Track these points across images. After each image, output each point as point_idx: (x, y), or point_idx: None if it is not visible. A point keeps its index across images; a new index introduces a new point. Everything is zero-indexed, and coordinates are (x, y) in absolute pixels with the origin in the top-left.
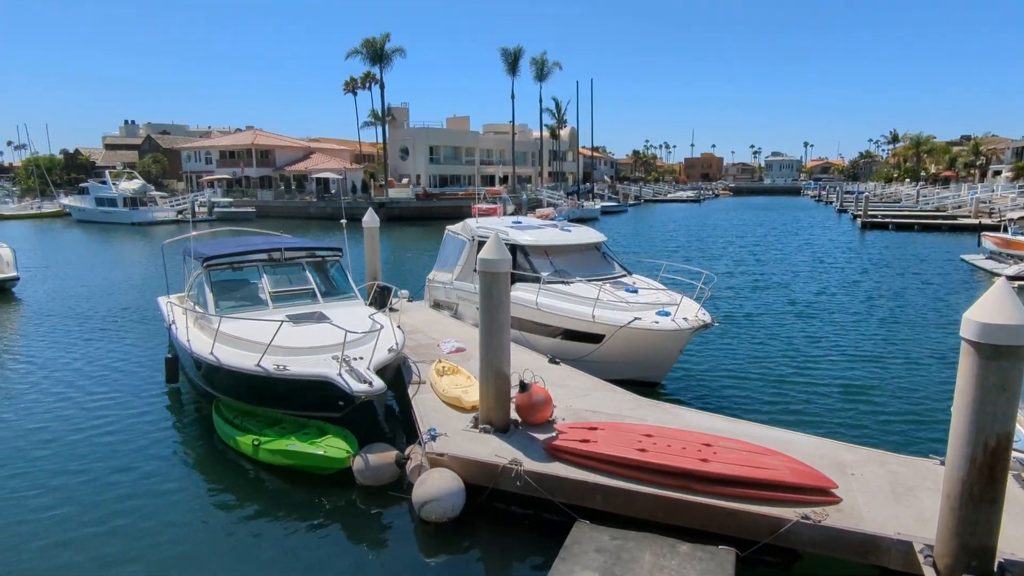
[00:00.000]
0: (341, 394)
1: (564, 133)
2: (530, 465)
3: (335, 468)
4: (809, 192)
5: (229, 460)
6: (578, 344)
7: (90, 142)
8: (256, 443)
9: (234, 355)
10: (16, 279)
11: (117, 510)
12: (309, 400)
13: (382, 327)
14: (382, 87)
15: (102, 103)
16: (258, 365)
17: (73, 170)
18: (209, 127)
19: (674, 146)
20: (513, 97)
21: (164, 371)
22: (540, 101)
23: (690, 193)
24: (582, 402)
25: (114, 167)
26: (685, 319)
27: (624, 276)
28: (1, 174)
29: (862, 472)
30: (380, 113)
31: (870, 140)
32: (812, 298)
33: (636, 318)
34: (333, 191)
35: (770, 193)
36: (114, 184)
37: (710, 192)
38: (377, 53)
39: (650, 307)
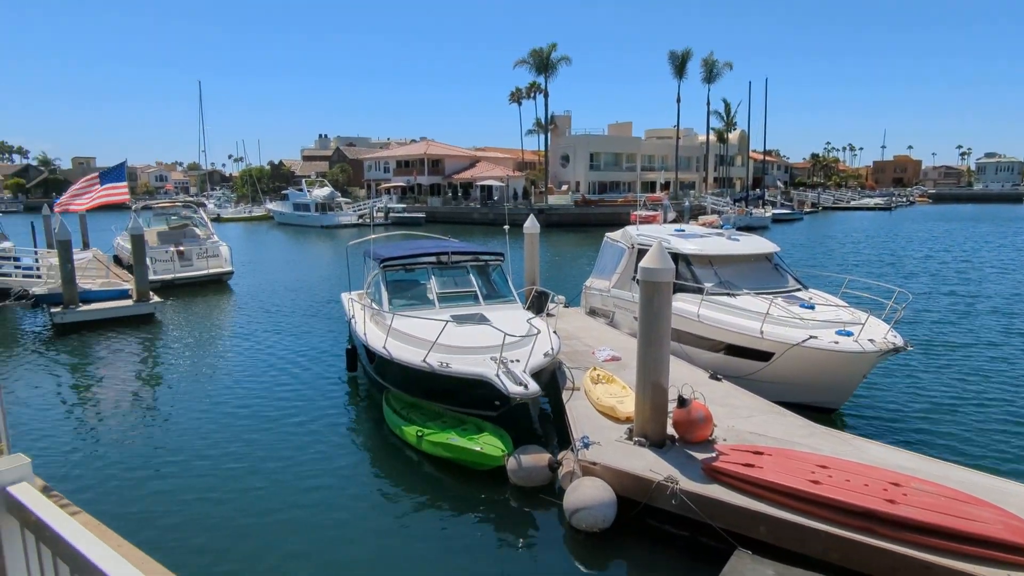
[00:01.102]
0: (498, 394)
1: (733, 136)
2: (687, 484)
3: (490, 465)
4: None
5: (395, 448)
6: (743, 361)
7: (291, 154)
8: (420, 434)
9: (403, 350)
10: (231, 273)
11: (294, 484)
12: (468, 397)
13: (539, 332)
14: (546, 96)
15: (302, 119)
16: (424, 361)
17: (277, 179)
18: (388, 138)
19: (860, 148)
20: (679, 100)
21: (345, 360)
22: (708, 104)
23: (878, 200)
24: (746, 423)
25: (309, 176)
26: (871, 341)
27: (799, 290)
28: (223, 183)
29: None
30: (543, 121)
31: None
32: None
33: (812, 336)
34: (495, 198)
35: (982, 200)
36: (308, 191)
37: (903, 199)
38: (543, 63)
39: (829, 325)
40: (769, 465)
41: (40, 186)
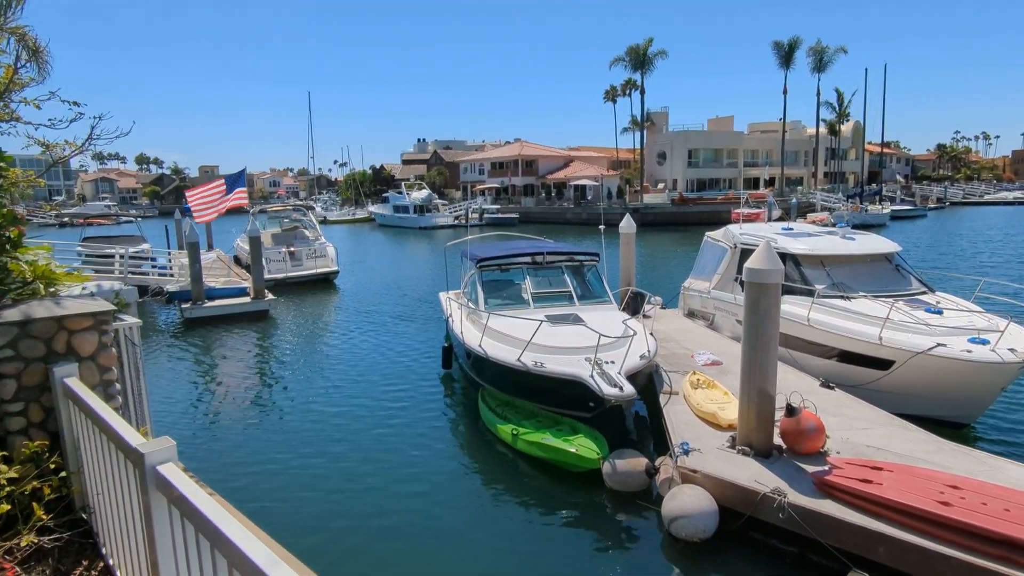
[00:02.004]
0: (592, 396)
1: (846, 128)
2: (796, 498)
3: (585, 467)
4: None
5: (490, 444)
6: (858, 369)
7: (392, 158)
8: (514, 433)
9: (498, 349)
10: (337, 272)
11: (391, 477)
12: (561, 398)
13: (635, 333)
14: (642, 93)
15: (402, 124)
16: (518, 360)
17: (378, 183)
18: (483, 141)
19: (996, 137)
20: (785, 92)
21: (441, 357)
22: (818, 94)
23: (1019, 193)
24: (862, 436)
25: (408, 179)
26: (1012, 350)
27: (924, 293)
28: (329, 187)
29: None
30: (639, 119)
31: None
32: None
33: (939, 344)
34: (589, 197)
35: None
36: (407, 194)
37: None
38: (640, 59)
39: (960, 332)
40: (890, 482)
41: (172, 193)
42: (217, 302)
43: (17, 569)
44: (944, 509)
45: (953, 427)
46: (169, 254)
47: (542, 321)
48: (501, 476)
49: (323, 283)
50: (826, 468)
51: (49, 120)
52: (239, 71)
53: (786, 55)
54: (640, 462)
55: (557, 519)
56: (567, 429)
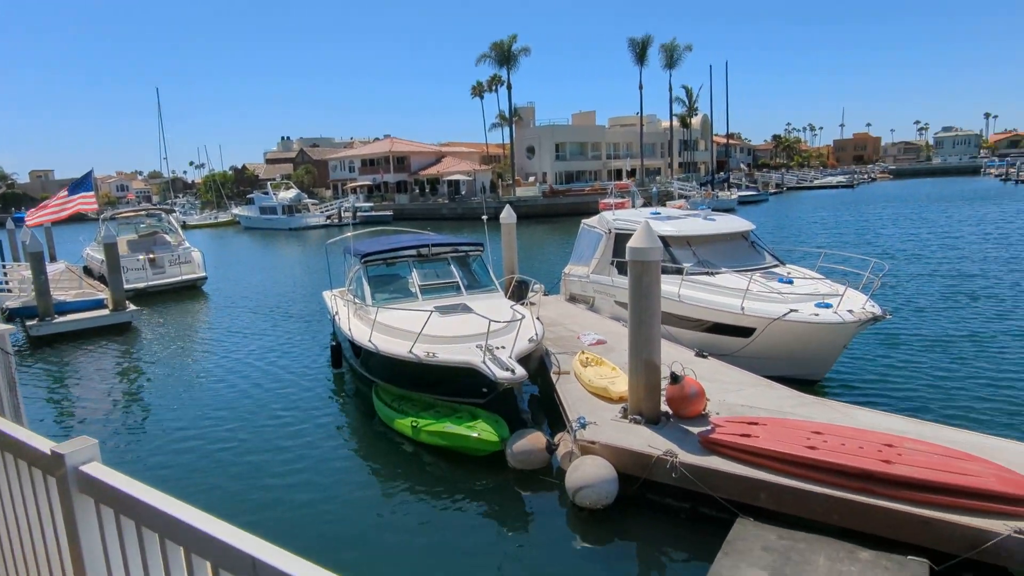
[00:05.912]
0: (485, 381)
1: (695, 121)
2: (686, 458)
3: (488, 451)
4: (992, 171)
5: (389, 440)
6: (725, 338)
7: (254, 158)
8: (415, 425)
9: (389, 343)
10: (205, 279)
11: (289, 483)
12: (456, 386)
13: (523, 317)
14: (509, 88)
15: (263, 122)
16: (410, 352)
17: (241, 184)
18: (352, 138)
19: (820, 128)
20: (641, 88)
21: (329, 358)
22: (670, 90)
23: (841, 178)
24: (737, 397)
25: (274, 179)
26: (850, 311)
27: (776, 266)
28: (187, 190)
29: None
30: (507, 114)
31: None
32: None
33: (792, 310)
34: (463, 192)
35: (941, 174)
36: (274, 194)
37: (865, 176)
38: (504, 55)
39: (808, 299)
40: (765, 434)
41: None
42: (70, 317)
43: None
44: (811, 452)
45: (808, 383)
46: (4, 267)
47: (431, 312)
48: (402, 470)
49: (190, 290)
50: (709, 428)
51: None
52: (75, 67)
53: (640, 52)
54: (540, 440)
55: (464, 504)
56: (467, 416)
